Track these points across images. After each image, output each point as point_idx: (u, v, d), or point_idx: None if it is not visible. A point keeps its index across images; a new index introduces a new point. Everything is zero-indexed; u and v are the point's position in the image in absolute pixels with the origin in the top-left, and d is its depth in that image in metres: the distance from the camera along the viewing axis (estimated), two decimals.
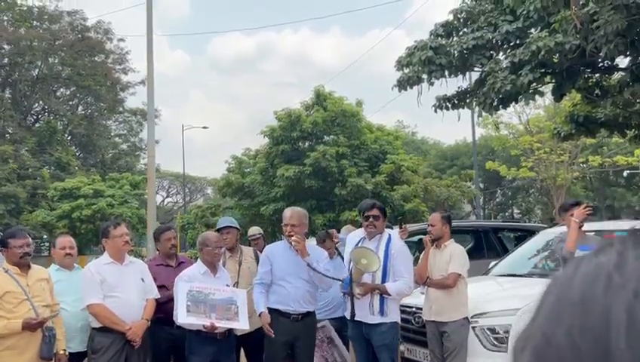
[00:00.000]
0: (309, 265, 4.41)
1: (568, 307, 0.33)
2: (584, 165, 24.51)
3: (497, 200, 37.42)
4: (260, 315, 4.46)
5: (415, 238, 8.67)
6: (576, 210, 4.49)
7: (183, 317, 4.27)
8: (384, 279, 4.53)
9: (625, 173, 28.92)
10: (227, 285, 4.58)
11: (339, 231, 6.28)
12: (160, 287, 4.66)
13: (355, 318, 4.57)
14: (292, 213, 4.60)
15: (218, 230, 5.34)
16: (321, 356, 4.92)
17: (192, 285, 4.35)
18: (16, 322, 3.95)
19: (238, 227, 5.63)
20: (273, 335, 4.39)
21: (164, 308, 4.57)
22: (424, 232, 7.99)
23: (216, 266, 4.62)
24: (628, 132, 9.96)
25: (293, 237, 4.40)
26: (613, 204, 30.70)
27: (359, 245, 4.63)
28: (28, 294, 4.05)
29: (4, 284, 4.01)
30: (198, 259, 4.71)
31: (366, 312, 4.52)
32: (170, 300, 4.48)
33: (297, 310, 4.50)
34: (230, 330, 4.52)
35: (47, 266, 4.76)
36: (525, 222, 19.97)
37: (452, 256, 4.78)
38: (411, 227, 9.17)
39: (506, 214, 35.68)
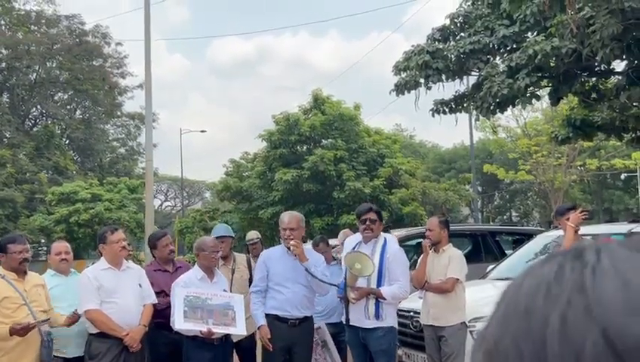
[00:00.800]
0: (307, 269, 4.41)
1: (514, 315, 0.37)
2: (582, 168, 24.57)
3: (495, 203, 37.46)
4: (259, 328, 4.46)
5: (413, 242, 8.68)
6: (572, 215, 4.50)
7: (180, 322, 4.27)
8: (379, 283, 4.51)
9: (622, 176, 28.98)
10: (224, 290, 4.58)
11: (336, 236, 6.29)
12: (158, 293, 4.65)
13: (350, 323, 4.57)
14: (290, 218, 4.60)
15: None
16: (314, 359, 4.91)
17: (189, 290, 4.35)
18: (3, 327, 3.94)
19: (233, 235, 5.64)
20: (271, 349, 4.38)
21: (162, 313, 4.57)
22: (421, 236, 8.02)
23: (214, 271, 4.62)
24: (625, 135, 9.99)
25: (291, 242, 4.39)
26: (611, 206, 30.76)
27: (355, 249, 4.63)
28: (26, 299, 4.05)
29: (2, 290, 4.01)
30: (195, 265, 4.71)
31: (361, 316, 4.51)
32: (169, 306, 4.47)
33: (295, 315, 4.49)
34: (227, 336, 4.51)
35: (44, 270, 4.77)
36: (523, 226, 19.98)
37: (450, 260, 4.78)
38: (408, 231, 9.20)
39: (504, 217, 35.71)
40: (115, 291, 4.33)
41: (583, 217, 4.53)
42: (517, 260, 6.61)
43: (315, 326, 4.99)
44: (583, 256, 0.38)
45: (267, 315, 4.57)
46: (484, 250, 9.08)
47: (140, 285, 4.47)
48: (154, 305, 4.55)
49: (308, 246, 5.48)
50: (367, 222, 4.59)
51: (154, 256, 5.25)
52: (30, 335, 4.03)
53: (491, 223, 25.69)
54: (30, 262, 4.31)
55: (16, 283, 4.09)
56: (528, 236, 8.47)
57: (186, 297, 4.30)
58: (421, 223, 15.48)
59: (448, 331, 4.68)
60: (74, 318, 4.28)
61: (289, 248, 4.45)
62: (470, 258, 6.66)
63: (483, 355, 0.38)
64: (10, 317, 3.98)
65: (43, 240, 25.45)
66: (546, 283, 0.37)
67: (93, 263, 4.95)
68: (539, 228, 11.68)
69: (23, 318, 4.00)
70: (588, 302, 0.34)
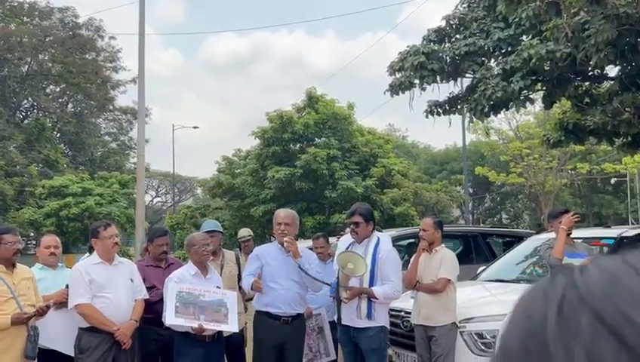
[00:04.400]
0: (300, 267, 4.41)
1: (518, 318, 0.43)
2: (572, 172, 24.73)
3: (486, 205, 37.62)
4: (252, 287, 4.42)
5: (404, 242, 8.70)
6: (565, 218, 4.54)
7: (171, 318, 4.25)
8: (372, 283, 4.51)
9: (612, 181, 29.20)
10: (218, 287, 4.57)
11: (330, 234, 6.28)
12: (149, 288, 4.64)
13: (342, 322, 4.57)
14: (286, 213, 4.64)
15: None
16: (307, 344, 4.91)
17: (182, 286, 4.34)
18: (4, 317, 3.92)
19: (222, 231, 5.64)
20: (261, 287, 4.35)
21: (153, 309, 4.55)
22: (413, 236, 8.04)
23: (207, 267, 4.61)
24: (616, 140, 10.06)
25: (286, 238, 4.40)
26: (601, 211, 30.98)
27: (348, 249, 4.63)
28: (14, 292, 4.02)
29: None
30: (189, 261, 4.70)
31: (353, 316, 4.52)
32: (160, 301, 4.46)
33: (287, 312, 4.49)
34: (220, 333, 4.50)
35: (33, 264, 4.73)
36: (513, 228, 20.09)
37: (442, 261, 4.80)
38: (399, 231, 9.21)
39: (495, 219, 35.87)
40: (106, 286, 4.31)
41: (576, 220, 4.56)
42: (508, 262, 6.64)
43: (316, 312, 5.02)
44: (571, 267, 0.43)
45: (259, 312, 4.56)
46: (474, 251, 9.12)
47: (132, 280, 4.46)
48: (145, 300, 4.53)
49: (302, 244, 5.48)
50: (352, 226, 4.62)
51: (147, 251, 5.24)
52: (17, 329, 4.01)
53: (481, 225, 25.82)
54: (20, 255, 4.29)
55: (5, 276, 4.06)
56: (519, 238, 8.52)
57: (179, 293, 4.28)
58: (412, 224, 15.51)
59: (439, 331, 4.69)
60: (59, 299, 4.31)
61: (282, 245, 4.45)
62: (461, 259, 6.68)
63: (498, 353, 0.43)
64: None
65: (32, 234, 25.26)
66: (542, 289, 0.43)
67: (86, 256, 4.92)
68: (529, 231, 11.74)
69: (11, 312, 3.97)
70: (580, 293, 0.39)
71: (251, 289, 4.48)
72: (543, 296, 0.41)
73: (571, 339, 0.37)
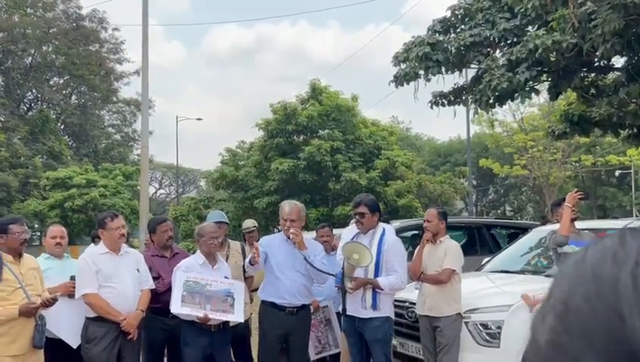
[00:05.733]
0: (305, 258, 4.41)
1: (583, 279, 0.40)
2: (577, 164, 24.66)
3: (490, 197, 37.56)
4: (250, 262, 4.40)
5: (408, 233, 8.70)
6: (568, 195, 4.56)
7: (177, 307, 4.27)
8: (377, 273, 4.52)
9: (617, 173, 29.10)
10: (226, 277, 4.58)
11: (334, 226, 6.29)
12: (155, 278, 4.65)
13: (347, 313, 4.58)
14: (291, 208, 4.58)
15: None
16: (316, 336, 4.94)
17: (190, 275, 4.35)
18: (12, 308, 3.94)
19: (228, 222, 5.64)
20: (259, 261, 4.32)
21: (159, 299, 4.57)
22: (417, 227, 8.03)
23: (216, 258, 4.62)
24: (621, 132, 10.02)
25: (291, 230, 4.39)
26: (605, 203, 30.91)
27: (353, 240, 4.63)
28: (22, 282, 4.04)
29: None
30: (197, 250, 4.72)
31: (358, 306, 4.52)
32: (167, 291, 4.47)
33: (292, 303, 4.50)
34: (226, 323, 4.52)
35: (38, 255, 4.75)
36: (518, 220, 20.06)
37: (447, 251, 4.79)
38: (403, 222, 9.21)
39: (498, 211, 35.83)
40: (113, 275, 4.32)
41: (579, 197, 4.56)
42: (512, 253, 6.64)
43: (322, 304, 5.02)
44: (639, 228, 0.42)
45: (264, 302, 4.57)
46: (479, 242, 9.11)
47: (138, 270, 4.47)
48: (152, 290, 4.55)
49: (307, 235, 5.49)
50: (357, 217, 4.60)
51: (152, 241, 5.25)
52: (25, 318, 4.03)
53: (485, 216, 25.79)
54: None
55: (13, 265, 4.07)
56: (523, 230, 8.52)
57: (186, 282, 4.30)
58: (415, 216, 15.50)
59: (443, 322, 4.70)
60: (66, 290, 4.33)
61: (289, 237, 4.45)
62: (465, 250, 6.68)
63: (554, 319, 0.40)
64: (5, 299, 3.97)
65: (37, 225, 25.35)
66: (611, 252, 0.40)
67: (90, 247, 4.94)
68: (534, 222, 11.73)
69: (18, 302, 3.99)
70: None
71: (250, 263, 4.44)
72: (613, 260, 0.40)
73: None
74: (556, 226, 4.91)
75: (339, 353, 5.35)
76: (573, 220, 4.51)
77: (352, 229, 4.87)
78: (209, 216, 5.66)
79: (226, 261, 5.19)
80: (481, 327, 4.74)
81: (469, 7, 9.09)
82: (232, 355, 5.32)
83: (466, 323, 4.77)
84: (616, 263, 0.39)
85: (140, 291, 4.45)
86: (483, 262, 6.70)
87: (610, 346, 0.37)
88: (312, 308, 4.81)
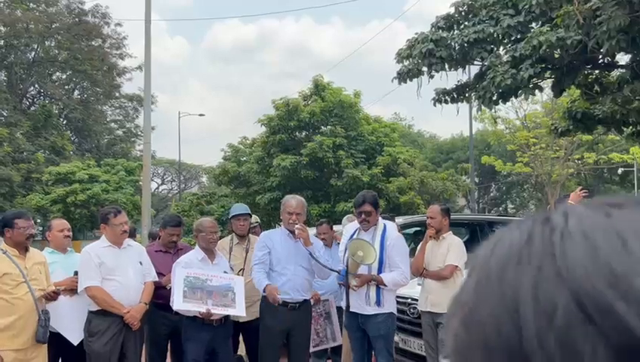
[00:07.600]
0: (311, 254, 4.41)
1: (488, 284, 0.37)
2: (579, 162, 24.59)
3: (492, 194, 37.53)
4: (264, 290, 4.38)
5: (411, 230, 8.69)
6: (572, 193, 4.56)
7: (179, 303, 4.28)
8: (380, 270, 4.52)
9: (619, 171, 29.04)
10: (225, 272, 4.58)
11: (336, 223, 6.28)
12: (158, 274, 4.66)
13: (351, 309, 4.58)
14: (297, 202, 4.59)
15: (233, 217, 5.34)
16: (314, 329, 4.94)
17: (190, 271, 4.36)
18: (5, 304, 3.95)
19: (250, 213, 5.59)
20: (280, 301, 4.32)
21: (162, 294, 4.58)
22: (419, 224, 8.02)
23: (214, 252, 4.62)
24: (625, 129, 9.98)
25: (297, 226, 4.39)
26: None
27: (355, 236, 4.62)
28: (26, 277, 4.05)
29: (3, 266, 4.00)
30: (196, 246, 4.72)
31: (362, 303, 4.53)
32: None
33: (295, 298, 4.50)
34: (227, 317, 4.52)
35: (42, 250, 4.75)
36: (520, 217, 19.99)
37: (450, 247, 4.79)
38: (406, 219, 9.21)
39: (500, 209, 35.81)
40: (115, 269, 4.33)
41: (583, 195, 4.55)
42: None
43: (323, 298, 5.01)
44: (550, 220, 0.38)
45: (266, 298, 4.57)
46: (481, 240, 9.07)
47: (141, 263, 4.48)
48: (155, 284, 4.56)
49: (311, 230, 5.48)
50: (363, 215, 4.57)
51: (159, 235, 5.28)
52: (29, 312, 4.04)
53: (488, 213, 25.76)
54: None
55: (18, 259, 4.08)
56: None
57: (186, 278, 4.31)
58: (417, 212, 15.48)
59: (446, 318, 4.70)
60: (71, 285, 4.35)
61: (292, 232, 4.44)
62: (468, 247, 6.67)
63: (460, 322, 0.38)
64: (9, 293, 3.98)
65: (39, 220, 25.40)
66: (516, 251, 0.37)
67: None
68: None
69: (22, 296, 4.00)
70: (558, 267, 0.35)
71: (263, 291, 4.41)
72: (517, 262, 0.36)
73: (545, 326, 0.33)
74: None
75: (338, 346, 5.35)
76: None
77: (352, 226, 4.87)
78: (232, 209, 5.60)
79: (246, 255, 5.16)
80: None
81: (473, 4, 9.05)
82: (245, 349, 5.32)
83: None
84: (519, 267, 0.36)
85: (143, 284, 4.45)
86: None
87: None
88: (312, 300, 4.80)
